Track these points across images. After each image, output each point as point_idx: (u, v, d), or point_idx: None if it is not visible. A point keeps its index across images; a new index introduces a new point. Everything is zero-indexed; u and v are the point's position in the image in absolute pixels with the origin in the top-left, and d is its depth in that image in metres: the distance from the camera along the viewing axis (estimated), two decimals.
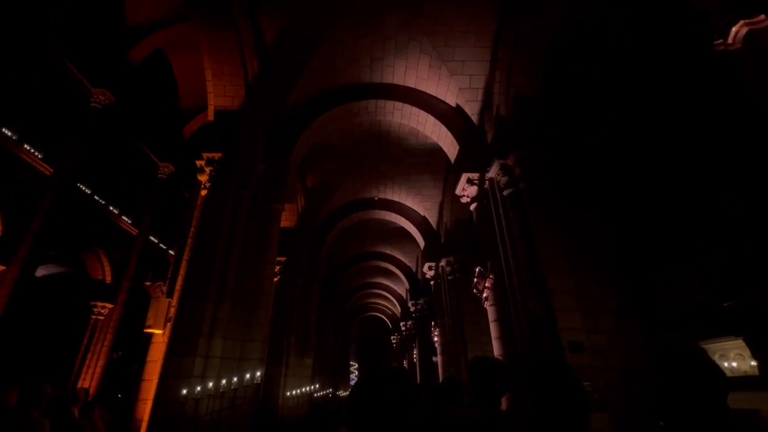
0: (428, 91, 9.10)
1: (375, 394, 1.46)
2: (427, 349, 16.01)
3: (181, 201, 17.38)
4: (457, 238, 12.55)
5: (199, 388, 5.28)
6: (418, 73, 8.83)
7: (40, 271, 13.73)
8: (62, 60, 11.72)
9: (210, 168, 7.20)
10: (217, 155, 7.24)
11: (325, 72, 8.70)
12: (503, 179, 7.39)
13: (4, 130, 10.44)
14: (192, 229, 7.03)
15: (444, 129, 8.88)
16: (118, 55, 13.11)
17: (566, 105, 8.19)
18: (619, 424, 5.31)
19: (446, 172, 12.15)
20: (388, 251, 19.03)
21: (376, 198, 14.19)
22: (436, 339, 12.83)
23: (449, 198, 12.35)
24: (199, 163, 7.32)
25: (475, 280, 7.53)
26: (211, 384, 5.40)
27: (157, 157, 16.65)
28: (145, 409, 5.78)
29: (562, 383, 1.73)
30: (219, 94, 7.85)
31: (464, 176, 8.06)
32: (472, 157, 8.20)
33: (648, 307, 6.60)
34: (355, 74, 9.04)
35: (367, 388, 1.53)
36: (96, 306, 14.44)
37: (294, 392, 10.65)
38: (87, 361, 13.65)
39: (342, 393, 24.87)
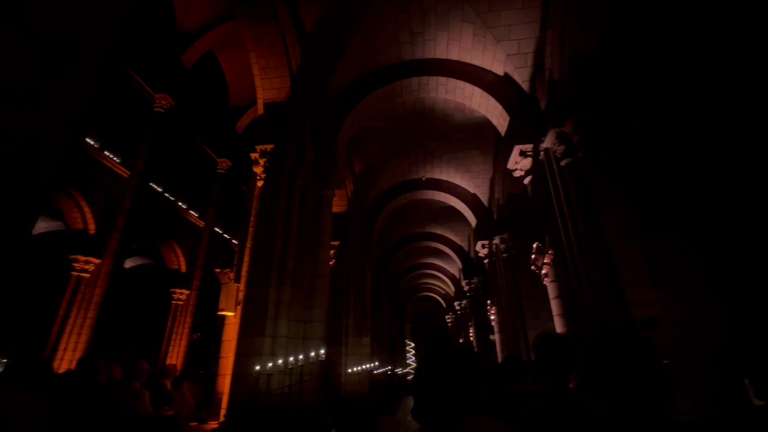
0: (473, 62, 8.68)
1: (444, 367, 1.45)
2: (484, 328, 15.83)
3: (240, 193, 18.50)
4: (510, 214, 12.09)
5: (270, 365, 5.70)
6: (461, 44, 8.44)
7: (128, 263, 15.44)
8: (127, 70, 12.75)
9: (263, 160, 7.53)
10: (269, 147, 7.55)
11: (365, 53, 8.62)
12: (560, 148, 6.93)
13: (87, 139, 11.68)
14: (251, 218, 7.45)
15: (492, 100, 8.46)
16: (174, 61, 14.02)
17: (628, 63, 7.40)
18: (698, 404, 4.91)
19: (496, 146, 11.65)
20: (439, 231, 18.87)
21: (423, 178, 14.03)
22: (492, 318, 12.63)
23: (500, 173, 11.87)
24: (253, 155, 7.68)
25: (533, 256, 7.24)
26: (280, 361, 5.80)
27: (215, 153, 17.78)
28: (225, 383, 6.37)
29: (642, 358, 1.62)
30: (266, 87, 8.11)
31: (516, 148, 7.66)
32: (524, 128, 7.75)
33: (731, 280, 5.92)
34: (396, 52, 8.85)
35: (435, 360, 1.53)
36: (175, 293, 16.03)
37: (354, 369, 11.14)
38: (172, 341, 15.30)
39: (400, 371, 25.54)
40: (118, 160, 12.69)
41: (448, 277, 24.79)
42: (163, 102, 13.85)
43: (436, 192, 14.36)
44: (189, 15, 13.99)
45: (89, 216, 11.85)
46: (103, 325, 11.28)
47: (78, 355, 10.45)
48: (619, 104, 7.23)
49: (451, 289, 26.15)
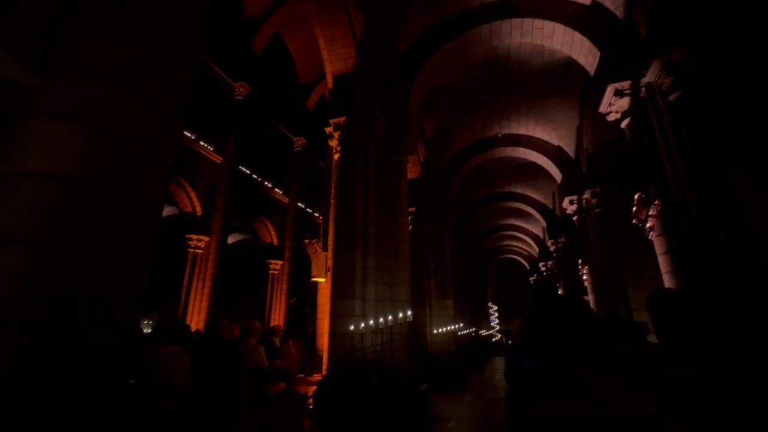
0: None
1: (560, 318, 1.32)
2: (574, 290, 14.92)
3: (316, 168, 19.44)
4: (602, 164, 10.86)
5: (362, 325, 6.11)
6: None
7: (231, 239, 17.44)
8: (208, 63, 13.82)
9: (337, 132, 7.73)
10: (341, 119, 7.70)
11: (428, 6, 8.12)
12: (666, 81, 5.90)
13: (186, 132, 13.12)
14: (332, 191, 7.80)
15: (577, 36, 7.45)
16: (246, 48, 14.79)
17: None
18: None
19: (582, 90, 10.37)
20: (518, 190, 17.82)
21: (498, 134, 13.19)
22: (585, 278, 11.80)
23: (589, 119, 10.61)
24: (327, 129, 7.92)
25: (634, 208, 6.47)
26: (371, 322, 6.18)
27: (291, 132, 18.73)
28: (324, 342, 7.03)
29: None
30: (333, 60, 8.17)
31: (610, 88, 6.73)
32: (619, 63, 6.73)
33: None
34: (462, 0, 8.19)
35: (548, 311, 1.41)
36: (270, 263, 17.79)
37: (439, 330, 11.42)
38: (273, 305, 17.20)
39: (484, 332, 25.58)
40: (211, 148, 14.10)
41: (530, 237, 23.59)
42: (242, 90, 14.84)
43: (514, 148, 13.44)
44: (253, 0, 14.50)
45: (195, 200, 13.54)
46: (217, 292, 13.10)
47: (202, 317, 12.35)
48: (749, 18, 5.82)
49: (534, 250, 24.92)
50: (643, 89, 6.32)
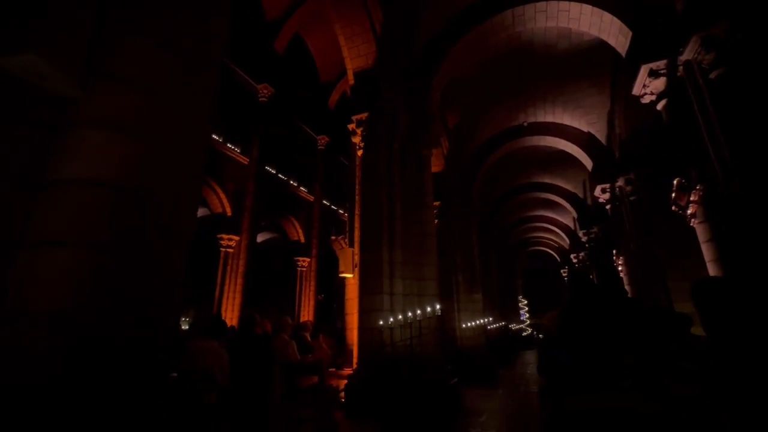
0: None
1: (593, 308, 1.30)
2: (614, 279, 14.35)
3: (339, 166, 19.62)
4: (637, 149, 10.36)
5: (391, 320, 6.14)
6: None
7: (259, 238, 17.93)
8: (232, 67, 14.18)
9: (360, 129, 7.75)
10: (363, 116, 7.71)
11: None
12: (707, 58, 5.54)
13: (213, 135, 13.54)
14: (357, 187, 7.84)
15: (607, 16, 7.11)
16: (268, 49, 15.06)
17: None
18: None
19: (613, 73, 9.91)
20: (546, 180, 17.30)
21: (524, 123, 12.83)
22: (620, 269, 11.34)
23: (621, 103, 10.14)
24: (350, 126, 7.96)
25: (674, 195, 6.15)
26: (400, 316, 6.20)
27: (313, 131, 18.97)
28: (353, 336, 7.12)
29: None
30: (354, 56, 8.18)
31: (644, 68, 6.39)
32: (654, 41, 6.38)
33: None
34: None
35: (580, 304, 1.38)
36: (298, 260, 18.16)
37: (468, 324, 11.32)
38: (302, 302, 17.57)
39: (514, 326, 25.12)
40: (238, 150, 14.50)
41: (560, 228, 22.89)
42: (265, 91, 15.14)
43: (541, 137, 13.03)
44: (273, 2, 14.72)
45: (225, 200, 13.98)
46: (249, 289, 13.52)
47: (235, 313, 12.79)
48: None
49: (565, 241, 24.17)
50: (681, 68, 5.96)
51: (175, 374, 3.44)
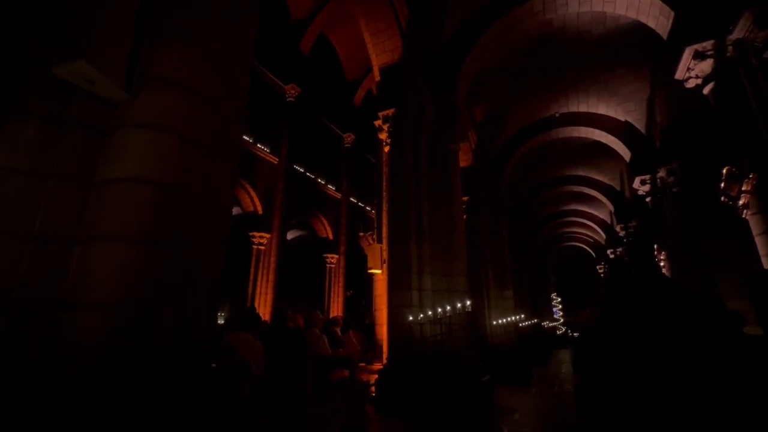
0: None
1: (634, 306, 1.25)
2: (660, 274, 13.65)
3: (367, 163, 19.72)
4: (680, 137, 9.74)
5: (421, 316, 6.13)
6: None
7: (290, 235, 18.36)
8: (260, 68, 14.52)
9: (387, 125, 7.75)
10: (390, 112, 7.70)
11: None
12: (761, 35, 5.13)
13: (244, 136, 13.96)
14: (384, 183, 7.85)
15: None
16: (294, 49, 15.31)
17: None
18: None
19: (653, 56, 9.36)
20: (580, 172, 16.63)
21: (556, 114, 12.37)
22: (662, 264, 10.75)
23: (662, 88, 9.57)
24: (376, 123, 7.97)
25: (723, 184, 5.73)
26: (429, 312, 6.16)
27: (340, 129, 19.15)
28: (383, 332, 7.16)
29: None
30: (379, 52, 8.17)
31: (688, 50, 5.99)
32: (699, 20, 5.96)
33: None
34: None
35: (619, 300, 1.33)
36: (327, 257, 18.43)
37: (499, 321, 11.10)
38: (331, 297, 17.85)
39: (547, 324, 24.40)
40: (267, 150, 14.87)
41: (595, 223, 21.97)
42: (292, 91, 15.41)
43: (574, 128, 12.53)
44: (298, 2, 14.93)
45: (256, 199, 14.40)
46: (280, 285, 13.89)
47: (268, 308, 13.17)
48: None
49: (600, 236, 23.18)
50: (731, 48, 5.55)
51: (213, 365, 3.59)
